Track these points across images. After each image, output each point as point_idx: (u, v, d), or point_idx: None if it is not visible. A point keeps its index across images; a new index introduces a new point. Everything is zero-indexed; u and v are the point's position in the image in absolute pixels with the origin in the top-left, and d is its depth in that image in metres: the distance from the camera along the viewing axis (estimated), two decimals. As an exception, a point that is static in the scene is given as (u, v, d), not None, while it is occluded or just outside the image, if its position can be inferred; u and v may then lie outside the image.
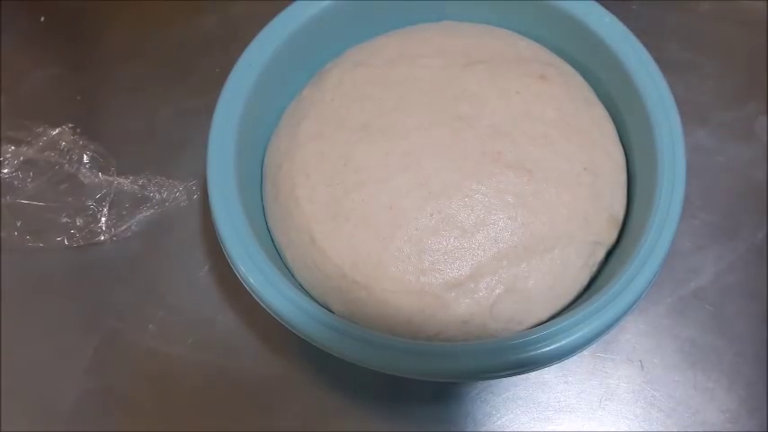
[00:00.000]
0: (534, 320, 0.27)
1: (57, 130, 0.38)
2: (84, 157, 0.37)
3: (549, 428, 0.32)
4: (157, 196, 0.37)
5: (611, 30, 0.30)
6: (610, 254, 0.30)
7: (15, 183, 0.37)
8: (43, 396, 0.33)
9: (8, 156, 0.37)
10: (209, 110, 0.30)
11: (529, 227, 0.27)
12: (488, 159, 0.28)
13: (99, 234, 0.36)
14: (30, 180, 0.37)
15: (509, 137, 0.29)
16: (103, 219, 0.36)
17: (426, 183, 0.28)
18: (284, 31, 0.32)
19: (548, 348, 0.25)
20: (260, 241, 0.28)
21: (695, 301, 0.34)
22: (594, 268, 0.29)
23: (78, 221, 0.36)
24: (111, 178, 0.37)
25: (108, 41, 0.42)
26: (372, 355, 0.25)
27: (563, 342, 0.25)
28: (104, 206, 0.36)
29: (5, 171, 0.37)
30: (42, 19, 0.43)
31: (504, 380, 0.32)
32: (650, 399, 0.32)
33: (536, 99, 0.30)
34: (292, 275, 0.30)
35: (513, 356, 0.25)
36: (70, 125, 0.38)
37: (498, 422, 0.32)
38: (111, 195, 0.37)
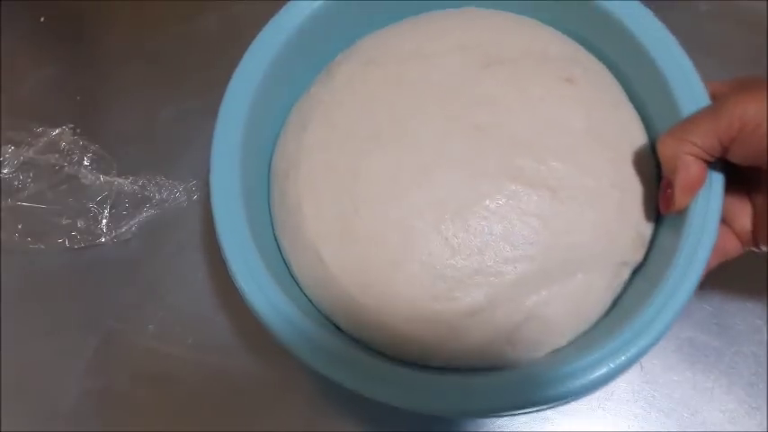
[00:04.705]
0: (554, 346, 0.26)
1: (57, 131, 0.38)
2: (85, 159, 0.37)
3: (549, 428, 0.32)
4: (157, 196, 0.37)
5: (644, 25, 0.28)
6: (635, 271, 0.28)
7: (15, 183, 0.37)
8: (43, 396, 0.33)
9: (8, 156, 0.37)
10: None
11: (551, 250, 0.25)
12: (508, 176, 0.26)
13: (100, 236, 0.36)
14: (30, 181, 0.37)
15: (531, 150, 0.26)
16: (104, 221, 0.36)
17: (441, 202, 0.26)
18: (292, 22, 0.29)
19: (572, 385, 0.23)
20: (265, 249, 0.26)
21: (694, 301, 0.33)
22: (619, 289, 0.27)
23: (80, 223, 0.36)
24: (111, 179, 0.37)
25: (108, 41, 0.42)
26: (377, 389, 0.24)
27: (588, 379, 0.23)
28: (105, 208, 0.36)
29: (5, 171, 0.37)
30: (42, 19, 0.43)
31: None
32: (650, 399, 0.32)
33: (561, 106, 0.27)
34: (299, 286, 0.28)
35: (533, 394, 0.23)
36: (70, 125, 0.38)
37: (498, 422, 0.32)
38: (113, 197, 0.37)
